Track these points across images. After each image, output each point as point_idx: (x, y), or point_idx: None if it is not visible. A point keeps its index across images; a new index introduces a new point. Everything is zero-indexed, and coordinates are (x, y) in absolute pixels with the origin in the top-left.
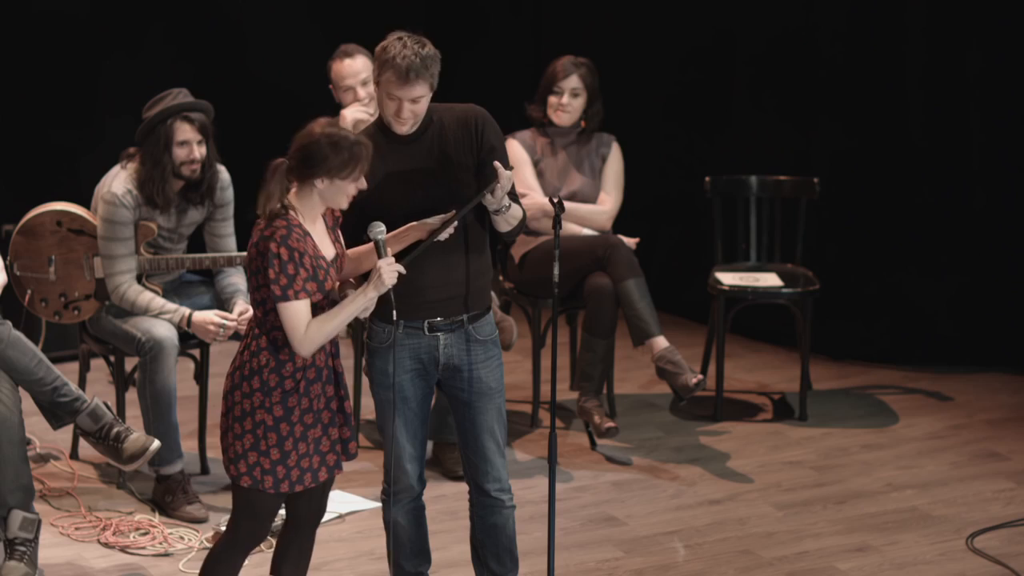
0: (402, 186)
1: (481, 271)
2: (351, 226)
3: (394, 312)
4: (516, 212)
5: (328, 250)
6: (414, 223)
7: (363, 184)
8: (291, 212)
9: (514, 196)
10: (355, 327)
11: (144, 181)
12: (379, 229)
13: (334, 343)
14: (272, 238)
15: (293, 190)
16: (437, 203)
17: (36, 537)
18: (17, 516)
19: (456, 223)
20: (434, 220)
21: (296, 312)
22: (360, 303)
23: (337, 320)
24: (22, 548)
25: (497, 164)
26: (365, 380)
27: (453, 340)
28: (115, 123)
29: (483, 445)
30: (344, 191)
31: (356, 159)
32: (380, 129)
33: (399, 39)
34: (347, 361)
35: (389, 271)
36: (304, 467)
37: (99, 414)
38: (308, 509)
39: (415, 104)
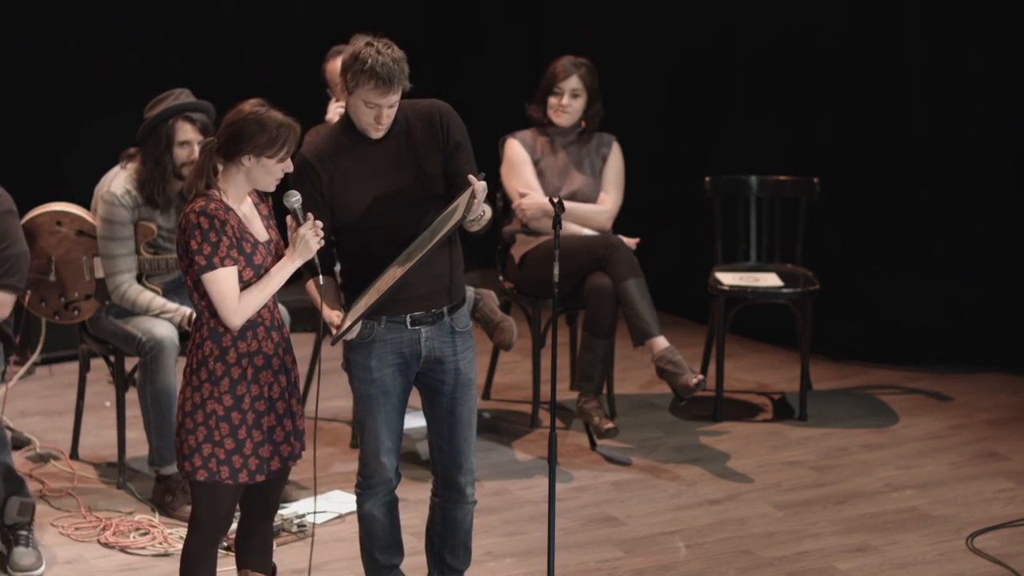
0: (369, 186)
1: (459, 262)
2: (326, 227)
3: (320, 277)
4: (488, 214)
5: (260, 233)
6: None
7: (289, 166)
8: (214, 191)
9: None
10: None
11: (144, 181)
12: (295, 198)
13: (283, 338)
14: (192, 211)
15: (221, 171)
16: (404, 201)
17: (32, 520)
18: (15, 502)
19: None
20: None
21: (223, 280)
22: (288, 270)
23: (267, 289)
24: (23, 532)
25: (471, 177)
26: None
27: (434, 332)
28: (113, 122)
29: (460, 436)
30: (271, 171)
31: (283, 139)
32: (344, 129)
33: (369, 45)
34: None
35: (312, 235)
36: (262, 455)
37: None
38: (264, 502)
39: (392, 109)
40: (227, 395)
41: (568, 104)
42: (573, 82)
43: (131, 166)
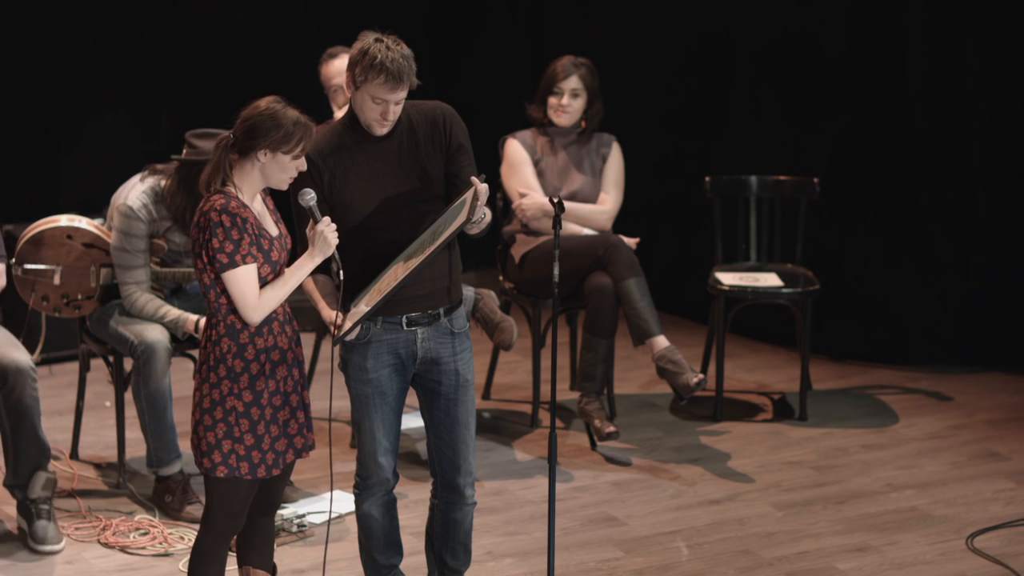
0: (372, 185)
1: (457, 262)
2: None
3: (340, 273)
4: (488, 217)
5: (272, 228)
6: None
7: (303, 165)
8: (229, 187)
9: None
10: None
11: (176, 205)
12: (310, 196)
13: (295, 331)
14: (212, 209)
15: (235, 167)
16: (405, 201)
17: (54, 494)
18: (40, 477)
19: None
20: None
21: (245, 277)
22: (308, 267)
23: (286, 287)
24: (45, 507)
25: (474, 178)
26: None
27: (430, 334)
28: (112, 122)
29: (459, 438)
30: (285, 168)
31: (298, 136)
32: (347, 128)
33: (378, 40)
34: None
35: (330, 232)
36: (278, 450)
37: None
38: (268, 497)
39: (398, 106)
40: (247, 391)
41: (568, 104)
42: (573, 82)
43: (151, 180)
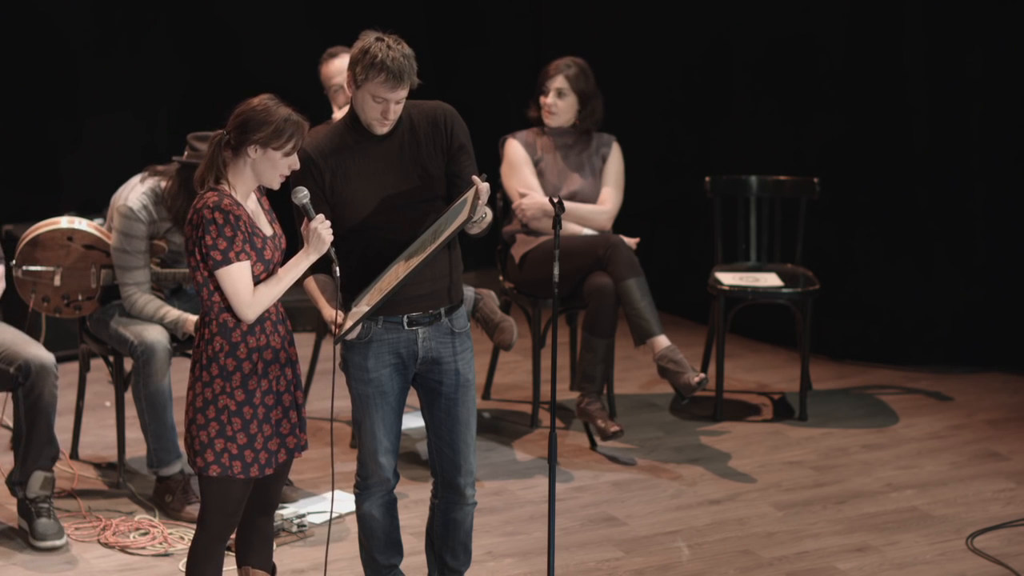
0: (372, 184)
1: (458, 263)
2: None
3: (337, 270)
4: (489, 217)
5: (266, 228)
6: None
7: (295, 163)
8: (223, 184)
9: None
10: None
11: (177, 206)
12: (303, 194)
13: (288, 331)
14: (205, 206)
15: (229, 165)
16: (406, 201)
17: (52, 492)
18: (39, 477)
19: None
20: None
21: (238, 274)
22: (303, 265)
23: (281, 284)
24: (44, 505)
25: (475, 177)
26: None
27: (431, 333)
28: (113, 121)
29: (459, 438)
30: (276, 165)
31: (289, 132)
32: (348, 128)
33: (379, 40)
34: None
35: (324, 229)
36: (271, 449)
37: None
38: (265, 497)
39: (399, 105)
40: (239, 390)
41: (552, 104)
42: (559, 82)
43: (151, 181)
